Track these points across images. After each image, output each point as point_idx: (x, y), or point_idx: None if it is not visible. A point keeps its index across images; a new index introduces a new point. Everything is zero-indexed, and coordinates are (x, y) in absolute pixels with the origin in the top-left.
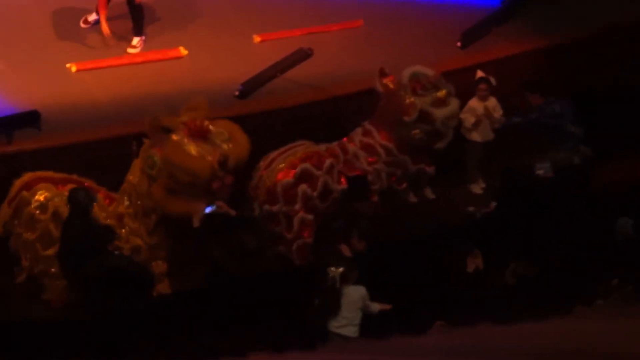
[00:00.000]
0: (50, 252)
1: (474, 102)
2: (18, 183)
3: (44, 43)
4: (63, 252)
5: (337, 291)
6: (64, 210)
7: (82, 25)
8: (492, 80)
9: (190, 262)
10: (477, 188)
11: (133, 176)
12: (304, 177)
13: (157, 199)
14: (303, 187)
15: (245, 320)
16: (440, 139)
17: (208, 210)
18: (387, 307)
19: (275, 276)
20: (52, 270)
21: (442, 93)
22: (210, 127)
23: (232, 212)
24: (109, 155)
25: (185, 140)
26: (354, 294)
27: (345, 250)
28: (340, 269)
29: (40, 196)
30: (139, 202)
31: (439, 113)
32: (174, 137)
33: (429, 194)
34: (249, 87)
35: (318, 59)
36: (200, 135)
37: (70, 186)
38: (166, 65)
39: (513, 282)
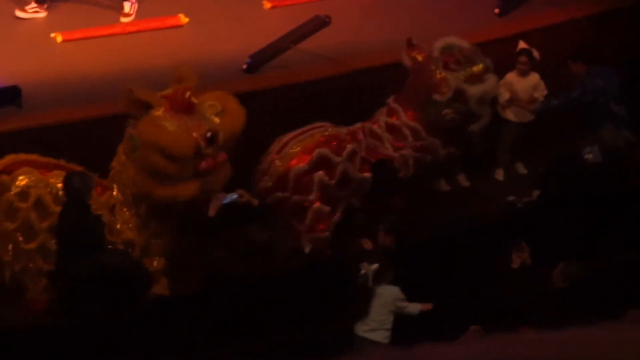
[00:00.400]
0: (32, 245)
1: (511, 76)
2: None
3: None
4: (59, 247)
5: (368, 290)
6: (48, 199)
7: None
8: (535, 53)
9: (191, 259)
10: (500, 174)
11: (118, 162)
12: (320, 163)
13: (141, 186)
14: (320, 175)
15: (257, 325)
16: (475, 121)
17: (227, 200)
18: (429, 306)
19: (291, 273)
20: (33, 265)
21: (478, 68)
22: (193, 98)
23: (255, 202)
24: (99, 136)
25: (167, 116)
26: (387, 295)
27: (367, 244)
28: (374, 266)
29: (21, 182)
30: (127, 191)
31: (474, 91)
32: (154, 112)
33: (463, 181)
34: (258, 60)
35: (337, 27)
36: (183, 108)
37: (55, 172)
38: (164, 35)
39: (563, 286)
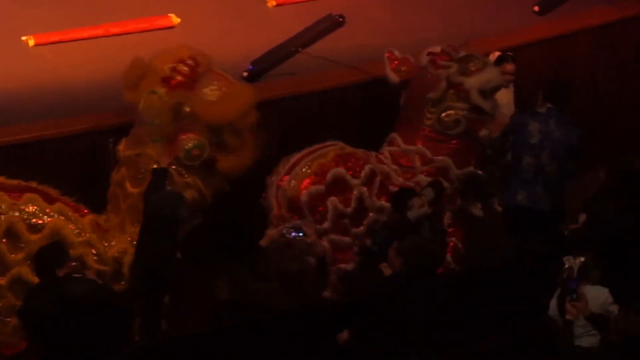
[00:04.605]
0: (2, 281)
1: None
2: None
3: None
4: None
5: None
6: (21, 228)
7: None
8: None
9: (195, 292)
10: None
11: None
12: (336, 186)
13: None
14: (333, 200)
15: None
16: (485, 123)
17: (294, 234)
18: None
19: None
20: (4, 303)
21: (474, 64)
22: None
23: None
24: (78, 155)
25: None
26: (596, 296)
27: (387, 269)
28: (580, 259)
29: None
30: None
31: (472, 82)
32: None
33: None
34: (261, 67)
35: (352, 27)
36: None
37: (27, 196)
38: (152, 37)
39: (617, 339)
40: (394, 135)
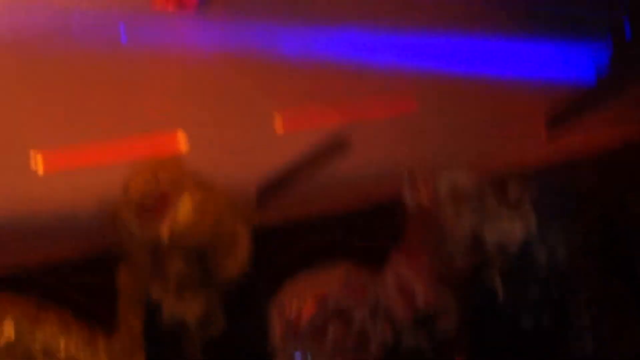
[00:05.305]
0: None
1: None
2: None
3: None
4: None
5: None
6: (36, 353)
7: None
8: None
9: None
10: None
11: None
12: (336, 313)
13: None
14: (334, 330)
15: None
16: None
17: (300, 357)
18: None
19: None
20: None
21: (490, 206)
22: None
23: None
24: (88, 280)
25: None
26: None
27: None
28: None
29: (8, 331)
30: None
31: (492, 236)
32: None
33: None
34: (265, 192)
35: (357, 153)
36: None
37: (44, 320)
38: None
39: None
40: (398, 257)
